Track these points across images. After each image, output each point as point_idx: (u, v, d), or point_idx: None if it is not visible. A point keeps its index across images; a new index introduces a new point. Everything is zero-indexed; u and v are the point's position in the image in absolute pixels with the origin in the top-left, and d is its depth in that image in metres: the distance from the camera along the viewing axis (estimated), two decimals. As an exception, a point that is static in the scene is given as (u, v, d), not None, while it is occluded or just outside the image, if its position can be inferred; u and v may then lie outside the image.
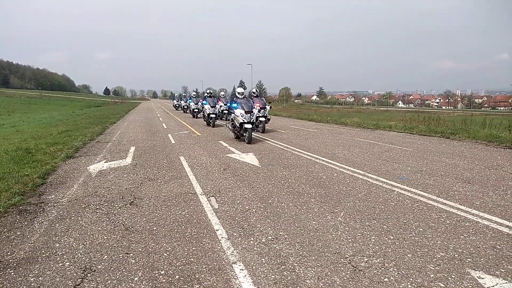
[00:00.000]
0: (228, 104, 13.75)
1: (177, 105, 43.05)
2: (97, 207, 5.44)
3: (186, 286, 3.15)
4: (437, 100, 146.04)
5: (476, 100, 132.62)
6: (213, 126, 18.93)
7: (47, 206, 5.48)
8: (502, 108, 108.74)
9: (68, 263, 3.63)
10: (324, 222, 4.63)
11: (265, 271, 3.38)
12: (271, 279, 3.23)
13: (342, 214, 4.92)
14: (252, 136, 13.09)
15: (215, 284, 3.17)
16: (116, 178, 7.31)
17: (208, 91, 21.53)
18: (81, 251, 3.89)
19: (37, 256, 3.78)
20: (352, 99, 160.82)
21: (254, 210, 5.18)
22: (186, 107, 34.15)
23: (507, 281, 3.11)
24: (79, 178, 7.36)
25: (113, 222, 4.79)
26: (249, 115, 12.44)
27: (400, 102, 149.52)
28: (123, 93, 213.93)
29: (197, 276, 3.31)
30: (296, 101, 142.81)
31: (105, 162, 9.02)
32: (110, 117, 27.69)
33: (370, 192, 6.02)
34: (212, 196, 5.88)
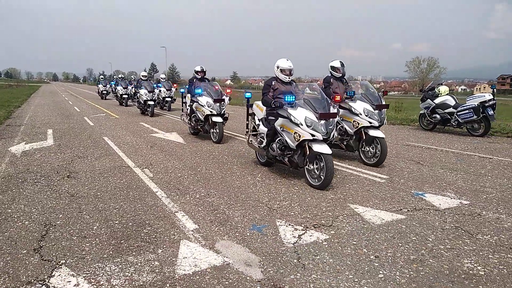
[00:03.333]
0: (245, 98, 7.42)
1: (105, 92, 28.88)
2: (35, 181, 5.80)
3: (139, 229, 3.94)
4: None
5: (375, 85, 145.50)
6: (219, 142, 9.09)
7: (-19, 183, 5.67)
8: (395, 93, 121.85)
9: (27, 222, 4.14)
10: (246, 182, 5.68)
11: (202, 215, 4.31)
12: (208, 219, 4.17)
13: (259, 175, 6.03)
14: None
15: (163, 225, 4.01)
16: (44, 157, 7.51)
17: (199, 69, 10.35)
18: (35, 213, 4.39)
19: (-7, 220, 4.20)
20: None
21: (186, 176, 6.03)
22: (126, 95, 21.22)
23: (373, 208, 4.47)
24: (4, 158, 7.41)
25: (56, 191, 5.26)
26: (322, 123, 5.39)
27: (307, 88, 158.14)
28: (18, 75, 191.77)
29: (147, 222, 4.10)
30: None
31: (25, 144, 8.98)
32: (11, 100, 25.49)
33: (281, 159, 7.24)
34: (146, 168, 6.57)
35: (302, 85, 6.85)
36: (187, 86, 10.83)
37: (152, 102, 15.83)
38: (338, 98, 6.10)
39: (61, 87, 74.86)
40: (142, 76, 17.62)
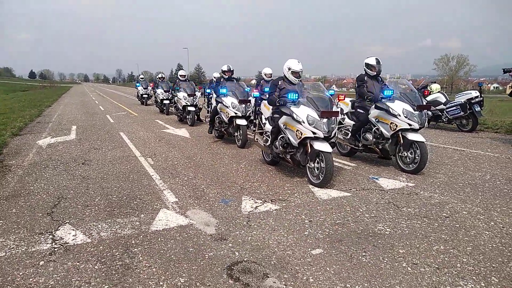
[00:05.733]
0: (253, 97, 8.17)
1: (146, 96, 22.86)
2: (55, 166, 6.90)
3: (130, 201, 4.90)
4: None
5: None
6: (243, 146, 8.59)
7: (12, 168, 6.82)
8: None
9: (45, 195, 5.19)
10: (230, 168, 6.58)
11: (184, 192, 5.24)
12: (188, 195, 5.10)
13: (244, 163, 6.92)
14: None
15: (150, 198, 4.97)
16: (65, 148, 8.67)
17: (226, 68, 10.04)
18: (52, 190, 5.44)
19: (19, 194, 5.28)
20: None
21: (181, 164, 6.98)
22: (168, 101, 16.69)
23: (327, 188, 5.25)
24: (32, 149, 8.61)
25: (71, 174, 6.33)
26: (324, 121, 5.57)
27: (333, 86, 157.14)
28: (51, 77, 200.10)
29: (138, 196, 5.07)
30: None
31: (51, 138, 10.21)
32: (43, 100, 27.48)
33: (270, 151, 8.08)
34: (149, 157, 7.57)
35: (307, 84, 6.83)
36: (212, 86, 10.42)
37: (193, 108, 12.76)
38: (342, 98, 7.16)
39: (91, 87, 78.21)
40: (180, 75, 14.82)
